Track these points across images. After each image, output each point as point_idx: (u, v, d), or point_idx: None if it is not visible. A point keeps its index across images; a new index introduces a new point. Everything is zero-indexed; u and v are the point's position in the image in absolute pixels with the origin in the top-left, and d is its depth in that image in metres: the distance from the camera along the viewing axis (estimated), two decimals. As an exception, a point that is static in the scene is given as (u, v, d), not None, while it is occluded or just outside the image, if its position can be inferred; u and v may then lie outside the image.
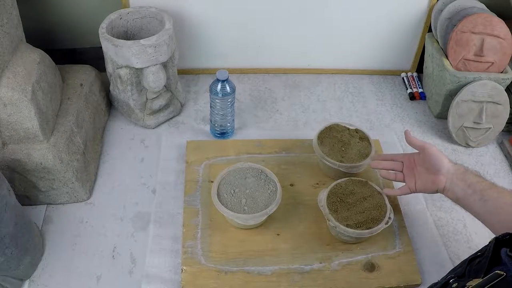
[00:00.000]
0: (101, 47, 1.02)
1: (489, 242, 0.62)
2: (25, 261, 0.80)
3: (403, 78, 1.33)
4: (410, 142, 0.87)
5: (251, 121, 1.17)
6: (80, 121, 0.98)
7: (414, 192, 0.88)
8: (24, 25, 0.94)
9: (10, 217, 0.73)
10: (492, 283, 0.53)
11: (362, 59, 1.31)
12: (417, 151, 0.88)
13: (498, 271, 0.54)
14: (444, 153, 0.85)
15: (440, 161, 0.82)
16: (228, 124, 1.08)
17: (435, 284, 0.67)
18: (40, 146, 0.88)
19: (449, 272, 0.70)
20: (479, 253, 0.63)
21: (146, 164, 1.05)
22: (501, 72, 1.11)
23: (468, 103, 1.10)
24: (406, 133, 0.88)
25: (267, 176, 0.91)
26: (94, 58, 1.20)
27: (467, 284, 0.56)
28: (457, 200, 0.82)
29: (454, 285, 0.60)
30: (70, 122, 0.95)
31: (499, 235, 0.60)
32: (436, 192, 0.85)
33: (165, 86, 1.09)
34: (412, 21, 1.23)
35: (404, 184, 0.90)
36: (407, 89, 1.29)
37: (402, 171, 0.90)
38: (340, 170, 0.95)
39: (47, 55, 0.96)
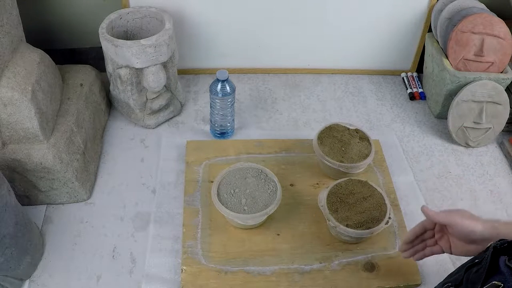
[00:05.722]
0: (101, 47, 1.02)
1: (487, 249, 0.61)
2: (25, 261, 0.80)
3: (403, 78, 1.33)
4: (432, 219, 0.73)
5: (251, 121, 1.17)
6: (80, 121, 0.98)
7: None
8: (24, 25, 0.94)
9: (10, 217, 0.73)
10: None
11: (362, 59, 1.31)
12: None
13: (496, 282, 0.53)
14: (470, 212, 0.71)
15: (471, 233, 0.68)
16: (228, 124, 1.08)
17: None
18: (40, 146, 0.88)
19: (446, 277, 0.69)
20: (476, 260, 0.62)
21: (146, 164, 1.05)
22: (501, 72, 1.11)
23: (468, 103, 1.10)
24: (423, 210, 0.74)
25: (267, 176, 0.91)
26: (94, 58, 1.21)
27: None
28: None
29: None
30: (70, 122, 0.95)
31: (497, 243, 0.59)
32: None
33: (165, 86, 1.09)
34: (412, 21, 1.23)
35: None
36: (407, 89, 1.29)
37: (434, 237, 0.77)
38: (340, 170, 0.95)
39: (47, 55, 0.96)
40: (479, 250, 0.69)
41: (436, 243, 0.76)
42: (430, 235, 0.77)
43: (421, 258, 0.78)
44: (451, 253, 0.74)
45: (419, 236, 0.78)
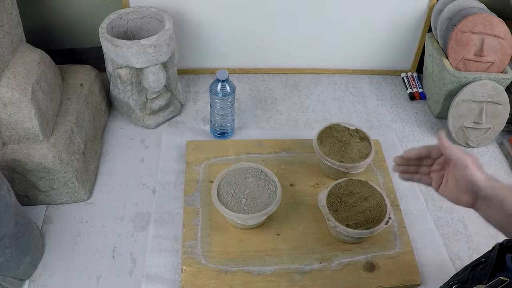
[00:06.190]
0: (101, 47, 1.02)
1: (493, 248, 0.61)
2: (25, 261, 0.80)
3: (403, 78, 1.33)
4: (446, 152, 0.65)
5: (251, 121, 1.17)
6: (80, 121, 0.98)
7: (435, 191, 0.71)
8: (24, 25, 0.94)
9: (10, 217, 0.73)
10: None
11: (362, 59, 1.31)
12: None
13: (502, 277, 0.54)
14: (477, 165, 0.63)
15: (473, 184, 0.61)
16: (228, 124, 1.08)
17: None
18: (40, 146, 0.88)
19: (451, 278, 0.69)
20: (482, 259, 0.62)
21: (146, 164, 1.05)
22: (501, 72, 1.11)
23: (468, 103, 1.10)
24: (440, 137, 0.66)
25: (267, 176, 0.91)
26: (94, 58, 1.21)
27: None
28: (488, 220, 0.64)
29: None
30: (70, 122, 0.95)
31: (504, 241, 0.60)
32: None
33: (165, 86, 1.09)
34: (412, 21, 1.23)
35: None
36: (407, 89, 1.29)
37: (431, 167, 0.71)
38: (340, 170, 0.95)
39: (47, 55, 0.96)
40: (469, 203, 0.63)
41: (429, 173, 0.70)
42: (429, 163, 0.70)
43: (407, 180, 0.72)
44: (437, 191, 0.69)
45: (420, 159, 0.71)
